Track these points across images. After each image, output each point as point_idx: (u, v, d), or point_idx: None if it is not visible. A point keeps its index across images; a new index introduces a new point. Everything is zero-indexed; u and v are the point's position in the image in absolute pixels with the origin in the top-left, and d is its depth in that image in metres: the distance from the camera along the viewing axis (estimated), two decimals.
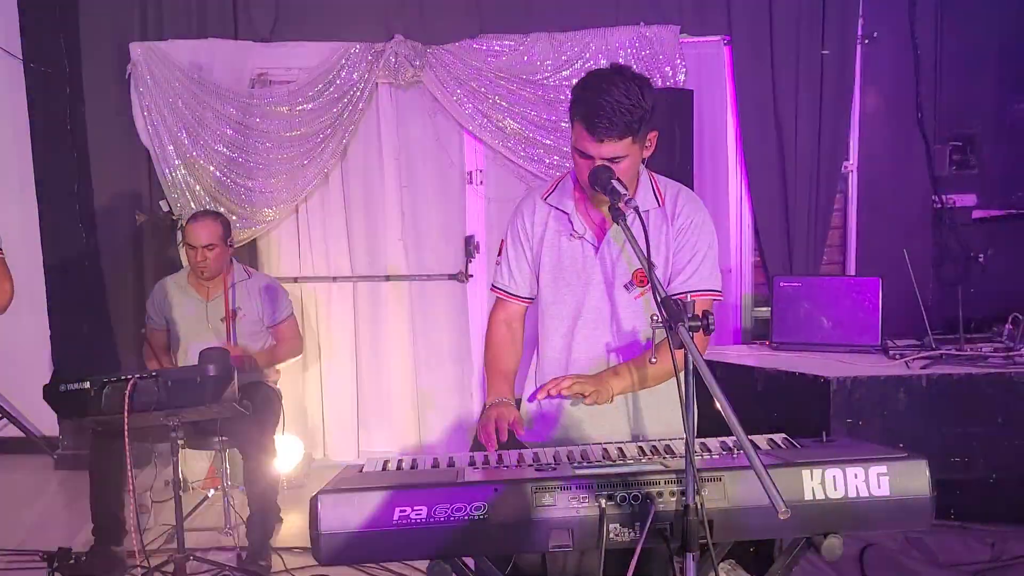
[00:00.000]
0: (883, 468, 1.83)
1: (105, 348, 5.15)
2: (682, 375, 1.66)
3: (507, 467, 1.98)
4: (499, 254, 2.54)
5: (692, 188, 4.60)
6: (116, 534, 3.74)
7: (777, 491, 1.37)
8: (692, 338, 1.64)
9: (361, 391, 5.28)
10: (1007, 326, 3.62)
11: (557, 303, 2.44)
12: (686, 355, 1.62)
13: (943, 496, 3.26)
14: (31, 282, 5.27)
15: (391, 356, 5.25)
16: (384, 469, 2.04)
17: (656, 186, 2.40)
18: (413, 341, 5.23)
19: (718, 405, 1.50)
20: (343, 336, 5.25)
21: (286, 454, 4.73)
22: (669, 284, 2.36)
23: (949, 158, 4.98)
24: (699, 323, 1.66)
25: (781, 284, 3.91)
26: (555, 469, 1.89)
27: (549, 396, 2.20)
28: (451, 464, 2.04)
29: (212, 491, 4.37)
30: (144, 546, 3.98)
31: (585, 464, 1.95)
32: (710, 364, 3.65)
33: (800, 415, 3.36)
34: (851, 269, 5.12)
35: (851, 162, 5.05)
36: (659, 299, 1.73)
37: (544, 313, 2.48)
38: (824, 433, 2.14)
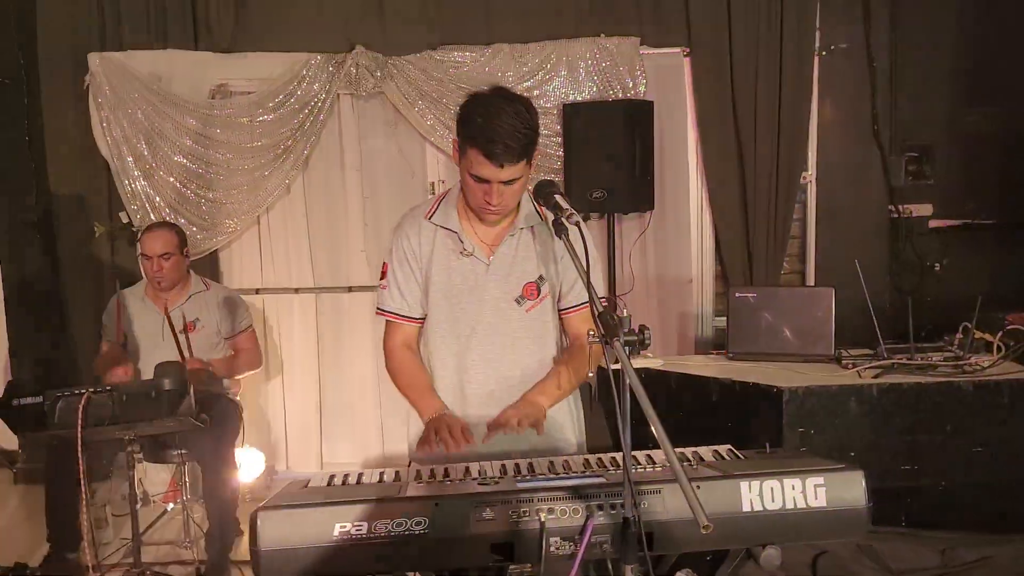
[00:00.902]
0: (820, 479, 1.85)
1: (64, 361, 5.10)
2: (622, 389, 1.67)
3: (451, 481, 1.98)
4: (382, 277, 2.51)
5: (653, 198, 4.71)
6: (71, 542, 3.70)
7: (700, 505, 1.38)
8: (628, 354, 1.65)
9: (324, 402, 5.27)
10: (957, 335, 3.67)
11: (449, 322, 2.45)
12: (620, 370, 1.63)
13: (894, 503, 3.36)
14: None
15: (354, 367, 5.24)
16: (330, 484, 2.03)
17: (537, 203, 2.42)
18: (376, 352, 5.21)
19: (648, 418, 1.52)
20: (305, 347, 5.23)
21: (247, 466, 4.71)
22: (560, 299, 2.46)
23: (905, 168, 5.05)
24: (635, 337, 1.68)
25: (737, 295, 3.94)
26: (498, 483, 1.89)
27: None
28: (397, 478, 2.05)
29: (171, 504, 4.34)
30: (99, 560, 3.98)
31: (529, 477, 1.96)
32: (666, 375, 3.69)
33: (754, 425, 3.40)
34: (810, 278, 5.17)
35: (810, 172, 5.10)
36: (595, 313, 1.75)
37: (434, 334, 2.49)
38: (768, 444, 2.16)
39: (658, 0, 4.94)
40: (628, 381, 1.61)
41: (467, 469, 2.08)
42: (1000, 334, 3.58)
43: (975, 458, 3.36)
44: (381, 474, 2.09)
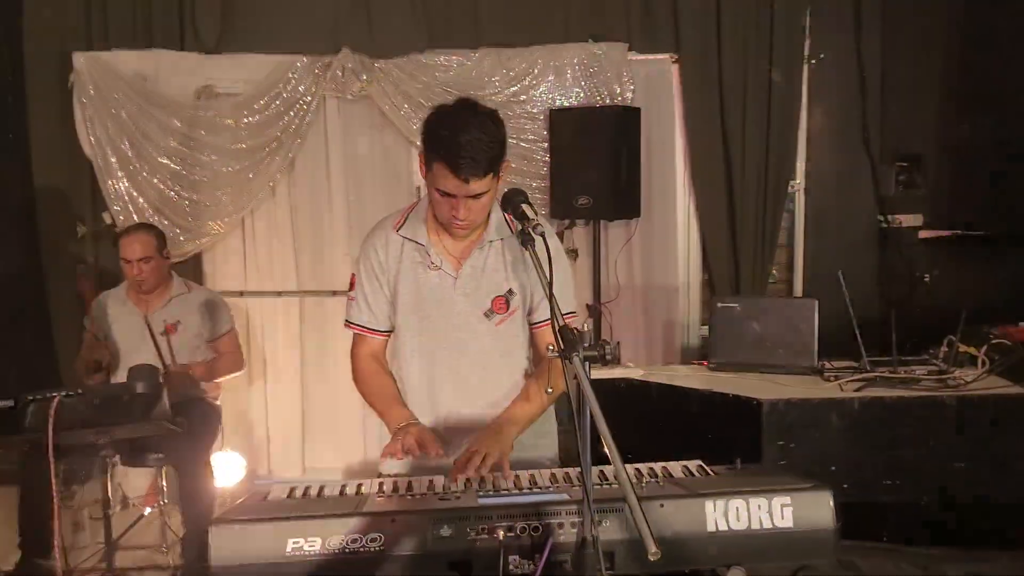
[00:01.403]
0: (787, 499, 1.82)
1: (45, 362, 5.05)
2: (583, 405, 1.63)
3: (413, 495, 1.95)
4: (350, 289, 2.48)
5: (639, 206, 4.67)
6: (43, 547, 3.66)
7: (650, 530, 1.34)
8: (587, 369, 1.61)
9: (307, 406, 5.23)
10: (942, 348, 3.64)
11: (418, 336, 2.42)
12: (578, 385, 1.59)
13: (876, 519, 3.32)
14: None
15: (337, 371, 5.17)
16: (290, 496, 1.99)
17: (507, 216, 2.37)
18: None
19: (602, 437, 1.48)
20: (288, 351, 5.19)
21: (227, 470, 4.67)
22: (531, 312, 2.43)
23: (895, 178, 5.01)
24: (595, 353, 1.64)
25: (719, 305, 3.91)
26: (459, 498, 1.86)
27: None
28: (359, 492, 2.01)
29: (149, 509, 4.29)
30: (73, 566, 3.95)
31: (491, 493, 1.93)
32: (646, 385, 3.65)
33: (733, 437, 3.36)
34: (798, 287, 5.14)
35: (798, 181, 5.07)
36: (556, 327, 1.71)
37: (403, 348, 2.45)
38: (739, 460, 2.13)
39: (647, 6, 4.91)
40: (586, 398, 1.57)
41: (431, 483, 2.04)
42: (985, 348, 3.54)
43: (958, 474, 3.32)
44: (343, 487, 2.04)
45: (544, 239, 1.98)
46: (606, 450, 1.46)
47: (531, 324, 2.46)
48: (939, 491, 3.33)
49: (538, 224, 2.03)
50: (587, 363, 1.63)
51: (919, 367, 3.58)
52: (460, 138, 2.08)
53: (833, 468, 3.29)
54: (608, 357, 1.66)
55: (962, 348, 3.58)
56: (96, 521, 4.30)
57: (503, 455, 2.15)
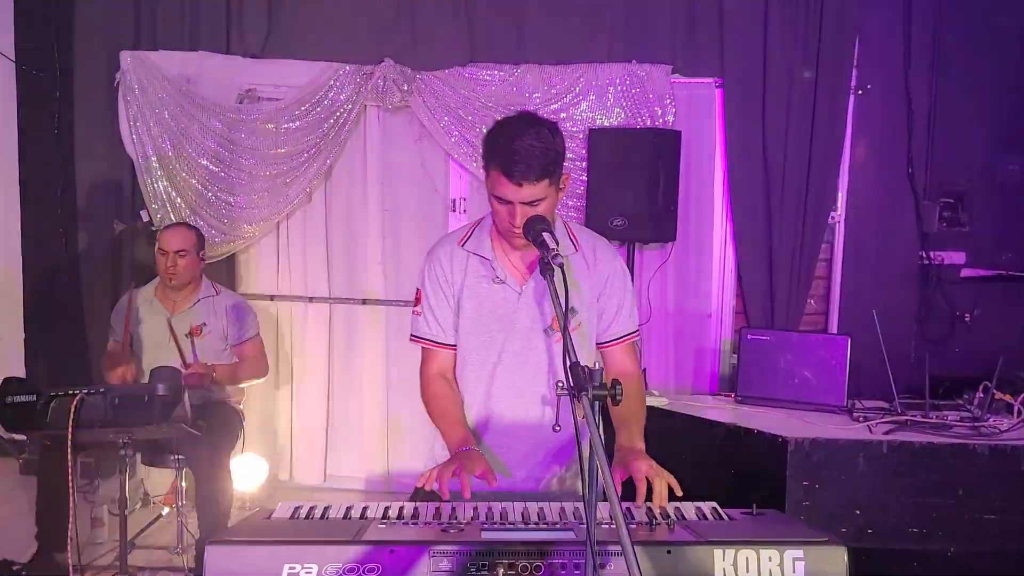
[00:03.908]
0: (799, 552, 1.75)
1: (77, 356, 5.11)
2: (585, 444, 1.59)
3: (416, 524, 1.91)
4: (415, 303, 2.48)
5: (675, 230, 4.62)
6: (59, 542, 3.69)
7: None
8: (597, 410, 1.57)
9: (331, 414, 5.23)
10: (977, 394, 3.53)
11: (478, 349, 2.41)
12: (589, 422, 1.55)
13: (902, 567, 3.22)
14: (9, 285, 5.28)
15: (364, 380, 5.19)
16: (293, 516, 1.97)
17: (571, 232, 2.45)
18: (387, 366, 5.17)
19: (602, 473, 1.44)
20: (316, 357, 5.19)
21: (249, 474, 4.68)
22: (602, 331, 2.46)
23: (939, 215, 4.89)
24: (605, 392, 1.60)
25: (749, 337, 3.84)
26: (462, 531, 1.82)
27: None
28: (364, 515, 1.98)
29: (167, 509, 4.31)
30: (89, 562, 3.97)
31: (497, 526, 1.89)
32: (671, 415, 3.59)
33: (757, 474, 3.29)
34: (834, 320, 5.03)
35: (839, 212, 4.97)
36: (567, 365, 1.67)
37: (464, 361, 2.45)
38: (755, 504, 2.06)
39: (692, 29, 4.86)
40: (593, 438, 1.53)
41: (438, 510, 2.01)
42: (1022, 397, 3.43)
43: (987, 525, 3.22)
44: (348, 509, 2.01)
45: (562, 270, 1.95)
46: (607, 498, 1.42)
47: (600, 344, 2.48)
48: (967, 542, 3.23)
49: (557, 254, 2.00)
50: (596, 403, 1.59)
51: (952, 412, 3.48)
52: (515, 144, 2.12)
53: (858, 511, 3.21)
54: (618, 398, 1.61)
55: (998, 395, 3.47)
56: (116, 517, 4.33)
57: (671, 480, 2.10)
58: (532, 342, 2.38)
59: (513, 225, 2.22)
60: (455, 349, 2.47)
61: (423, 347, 2.49)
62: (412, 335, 2.50)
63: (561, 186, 2.27)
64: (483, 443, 2.43)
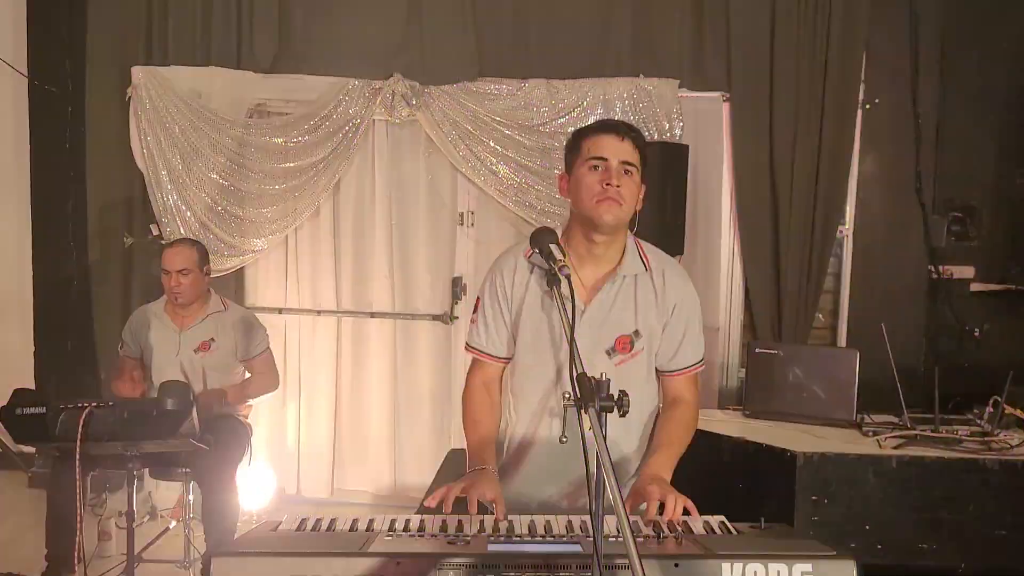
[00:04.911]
0: (808, 567, 1.73)
1: (87, 369, 5.13)
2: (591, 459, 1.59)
3: (423, 536, 1.91)
4: (474, 311, 2.47)
5: (683, 244, 4.61)
6: (68, 561, 3.68)
7: None
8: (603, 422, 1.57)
9: (339, 428, 5.23)
10: (987, 408, 3.51)
11: (536, 366, 2.37)
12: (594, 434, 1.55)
13: None
14: (21, 298, 5.32)
15: (371, 394, 5.20)
16: (299, 528, 1.97)
17: (642, 251, 2.39)
18: (395, 380, 5.18)
19: (609, 488, 1.44)
20: (324, 371, 5.21)
21: (257, 488, 4.68)
22: (667, 359, 2.39)
23: (948, 229, 4.88)
24: (611, 403, 1.60)
25: (757, 351, 3.83)
26: (469, 543, 1.81)
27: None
28: (370, 527, 1.97)
29: (174, 522, 4.31)
30: None
31: (503, 539, 1.88)
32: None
33: (765, 488, 3.27)
34: (843, 334, 5.02)
35: (847, 226, 4.96)
36: (574, 376, 1.67)
37: (522, 375, 2.42)
38: (763, 519, 2.05)
39: (699, 43, 4.87)
40: (600, 450, 1.53)
41: (444, 523, 2.00)
42: None
43: (998, 541, 3.19)
44: (355, 521, 2.01)
45: (569, 281, 1.95)
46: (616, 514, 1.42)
47: (664, 371, 2.43)
48: (978, 558, 3.20)
49: (564, 266, 1.99)
50: (603, 414, 1.59)
51: (962, 427, 3.45)
52: (606, 120, 2.32)
53: (867, 527, 3.19)
54: (625, 409, 1.61)
55: (1008, 409, 3.45)
56: (123, 530, 4.32)
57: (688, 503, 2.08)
58: (591, 363, 2.24)
59: (608, 186, 2.19)
60: (505, 363, 2.45)
61: (473, 356, 2.48)
62: (466, 343, 2.49)
63: (643, 188, 2.30)
64: (529, 456, 2.41)
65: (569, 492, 2.39)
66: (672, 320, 2.36)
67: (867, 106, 4.86)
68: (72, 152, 5.14)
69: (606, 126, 2.25)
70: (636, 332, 2.33)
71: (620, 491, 1.44)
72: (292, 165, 4.95)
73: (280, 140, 4.94)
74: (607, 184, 2.19)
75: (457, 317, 5.10)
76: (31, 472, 5.21)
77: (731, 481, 3.36)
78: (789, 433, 3.50)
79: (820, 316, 5.01)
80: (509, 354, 2.44)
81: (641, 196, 2.31)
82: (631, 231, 2.42)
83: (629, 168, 2.22)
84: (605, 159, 2.20)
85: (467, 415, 2.45)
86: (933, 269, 4.92)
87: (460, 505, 2.11)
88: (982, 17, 4.84)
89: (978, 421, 3.49)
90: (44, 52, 5.17)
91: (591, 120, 4.77)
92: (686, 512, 2.04)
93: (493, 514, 2.09)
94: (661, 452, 2.31)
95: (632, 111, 4.80)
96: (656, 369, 2.43)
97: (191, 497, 4.03)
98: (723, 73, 4.86)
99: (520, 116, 4.79)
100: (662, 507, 2.05)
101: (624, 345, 2.31)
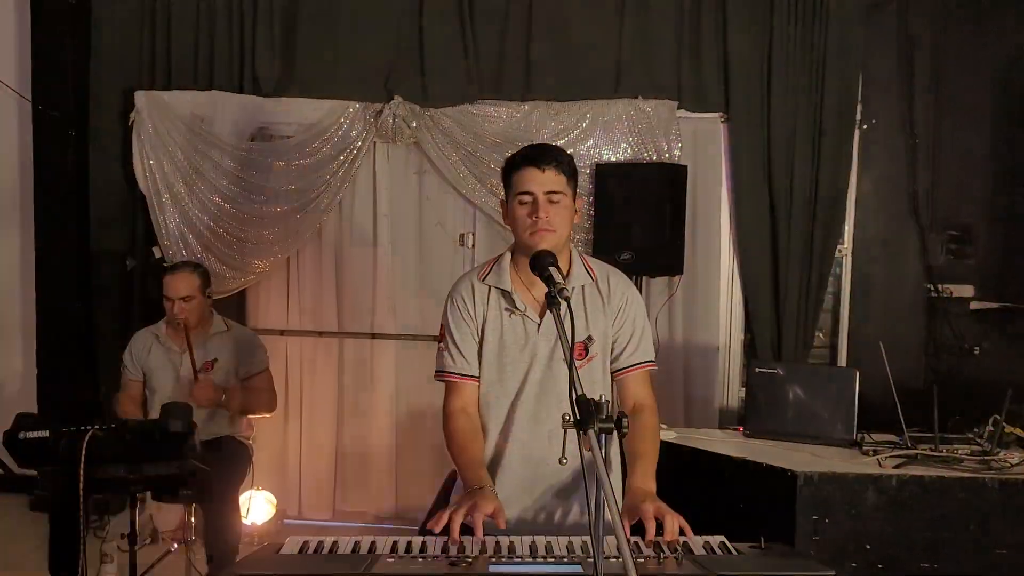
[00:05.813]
0: None
1: (89, 392, 5.13)
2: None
3: (425, 558, 1.92)
4: (439, 341, 2.54)
5: (682, 263, 4.64)
6: None
7: None
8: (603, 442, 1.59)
9: (340, 449, 5.23)
10: (988, 427, 3.52)
11: (499, 381, 2.47)
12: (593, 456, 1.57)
13: None
14: (24, 321, 5.34)
15: (373, 415, 5.20)
16: (301, 551, 1.98)
17: (587, 263, 2.53)
18: (396, 401, 5.19)
19: (609, 510, 1.45)
20: (325, 392, 5.21)
21: (257, 510, 4.68)
22: (614, 361, 2.51)
23: (945, 247, 4.92)
24: (611, 424, 1.62)
25: (756, 370, 3.84)
26: (470, 565, 1.83)
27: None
28: (371, 550, 1.99)
29: (176, 544, 4.30)
30: None
31: (504, 560, 1.89)
32: (678, 448, 3.58)
33: (766, 508, 3.26)
34: (842, 353, 5.04)
35: (846, 245, 4.99)
36: (573, 399, 1.69)
37: (486, 391, 2.49)
38: (763, 538, 2.06)
39: (697, 65, 4.91)
40: (599, 471, 1.55)
41: (445, 544, 2.01)
42: None
43: (998, 560, 3.19)
44: (357, 543, 2.02)
45: (568, 304, 1.98)
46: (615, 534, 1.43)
47: (615, 371, 2.53)
48: None
49: (564, 288, 2.04)
50: (603, 435, 1.61)
51: (962, 446, 3.46)
52: (535, 146, 2.42)
53: (868, 546, 3.18)
54: (625, 430, 1.63)
55: (1008, 428, 3.46)
56: (125, 553, 4.32)
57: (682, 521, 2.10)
58: (553, 371, 2.43)
59: (537, 218, 2.32)
60: (478, 381, 2.51)
61: (447, 382, 2.52)
62: (436, 371, 2.54)
63: (576, 207, 2.41)
64: (501, 470, 2.47)
65: (541, 507, 2.46)
66: (621, 319, 2.50)
67: (864, 126, 4.90)
68: (75, 176, 5.17)
69: (528, 158, 2.35)
70: (589, 338, 2.45)
71: (623, 522, 1.45)
72: (293, 188, 4.97)
73: (281, 163, 4.97)
74: (536, 217, 2.32)
75: None
76: (33, 495, 5.21)
77: (731, 500, 3.36)
78: (789, 453, 3.50)
79: (820, 335, 5.03)
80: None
81: (577, 210, 2.44)
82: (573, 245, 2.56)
83: (555, 197, 2.33)
84: (532, 193, 2.33)
85: (452, 443, 2.46)
86: (931, 287, 4.94)
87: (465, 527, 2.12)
88: (975, 39, 4.90)
89: (978, 440, 3.49)
90: (48, 77, 5.21)
91: (590, 143, 4.85)
92: (681, 532, 2.07)
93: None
94: (641, 465, 2.35)
95: (631, 132, 4.84)
96: (612, 373, 2.53)
97: (193, 519, 4.03)
98: (721, 94, 4.91)
99: (521, 137, 4.82)
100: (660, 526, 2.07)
101: (580, 351, 2.43)
